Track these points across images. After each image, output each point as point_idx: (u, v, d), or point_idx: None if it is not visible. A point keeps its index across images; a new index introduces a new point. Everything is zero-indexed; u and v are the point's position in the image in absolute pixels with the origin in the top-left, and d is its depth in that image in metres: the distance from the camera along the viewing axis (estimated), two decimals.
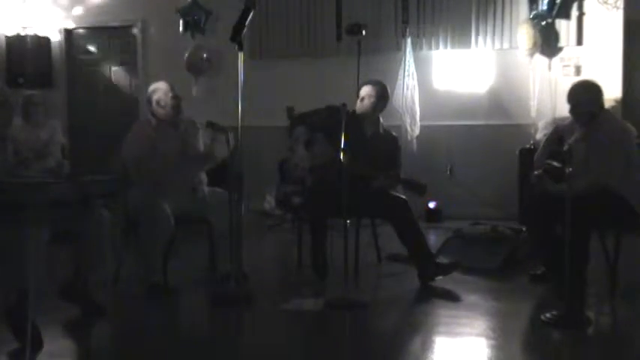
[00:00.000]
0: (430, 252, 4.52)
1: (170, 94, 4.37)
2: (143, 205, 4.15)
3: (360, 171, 4.18)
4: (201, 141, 4.49)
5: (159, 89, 4.39)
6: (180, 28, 7.69)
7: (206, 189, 4.47)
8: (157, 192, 4.17)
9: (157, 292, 4.12)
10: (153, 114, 4.42)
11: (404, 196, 4.52)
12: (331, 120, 4.48)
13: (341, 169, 3.94)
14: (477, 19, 6.95)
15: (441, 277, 4.33)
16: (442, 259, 4.63)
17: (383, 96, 4.64)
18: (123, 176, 4.29)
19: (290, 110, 6.13)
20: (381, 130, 4.69)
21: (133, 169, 4.27)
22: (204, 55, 7.64)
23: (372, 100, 4.58)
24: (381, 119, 4.71)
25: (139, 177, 4.26)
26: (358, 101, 4.63)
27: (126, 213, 4.29)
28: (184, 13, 7.66)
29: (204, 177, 4.50)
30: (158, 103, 4.37)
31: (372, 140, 4.58)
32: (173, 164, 4.27)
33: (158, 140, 4.32)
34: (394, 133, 4.85)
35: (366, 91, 4.62)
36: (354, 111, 4.58)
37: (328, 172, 4.39)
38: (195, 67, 7.67)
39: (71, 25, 8.25)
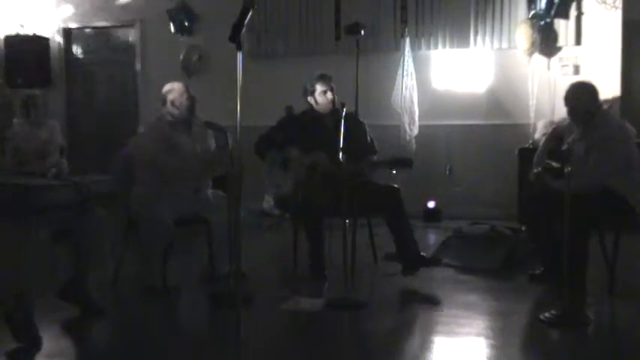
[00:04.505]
0: (413, 240, 4.49)
1: (185, 95, 4.39)
2: (143, 207, 4.16)
3: (337, 172, 4.08)
4: (212, 144, 4.50)
5: (174, 90, 4.40)
6: (172, 29, 7.73)
7: (209, 191, 4.48)
8: (161, 192, 4.18)
9: (155, 294, 4.13)
10: (168, 114, 4.43)
11: (396, 185, 4.56)
12: (294, 127, 4.64)
13: (324, 175, 3.92)
14: (476, 18, 6.94)
15: (426, 268, 4.38)
16: (441, 257, 4.65)
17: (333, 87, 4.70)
18: (126, 174, 4.29)
19: (289, 109, 6.13)
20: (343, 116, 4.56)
21: (144, 165, 4.27)
22: (197, 57, 7.72)
23: (333, 93, 4.62)
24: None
25: (148, 173, 4.27)
26: (317, 96, 4.64)
27: (127, 211, 4.30)
28: (172, 14, 7.70)
29: (209, 180, 4.52)
30: (173, 103, 4.38)
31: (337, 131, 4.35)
32: (184, 163, 4.28)
33: (172, 139, 4.33)
34: (356, 115, 4.69)
35: (323, 86, 4.64)
36: (310, 109, 4.64)
37: (312, 183, 4.44)
38: (188, 68, 7.73)
39: (71, 25, 8.25)
